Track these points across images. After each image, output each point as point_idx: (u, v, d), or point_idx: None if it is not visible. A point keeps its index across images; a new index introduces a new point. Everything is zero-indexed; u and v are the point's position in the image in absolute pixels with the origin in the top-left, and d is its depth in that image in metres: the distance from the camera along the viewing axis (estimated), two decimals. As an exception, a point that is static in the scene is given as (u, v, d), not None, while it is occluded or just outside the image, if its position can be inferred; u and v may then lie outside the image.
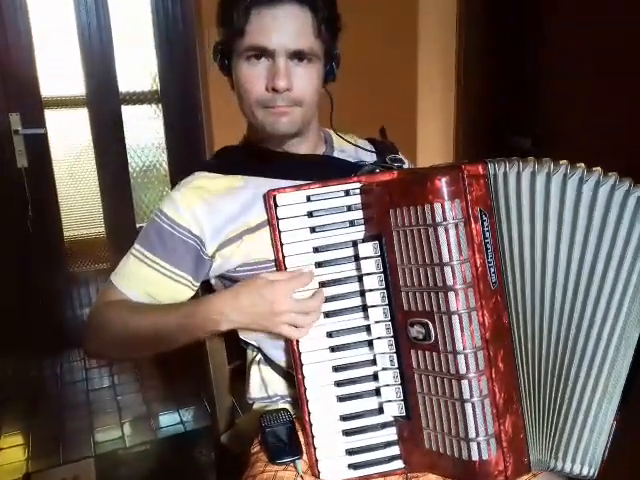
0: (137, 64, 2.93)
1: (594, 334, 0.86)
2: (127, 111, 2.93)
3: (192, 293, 1.04)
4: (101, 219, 3.00)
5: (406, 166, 1.09)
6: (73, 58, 2.76)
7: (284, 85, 0.92)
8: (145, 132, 3.02)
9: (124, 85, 2.90)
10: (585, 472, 0.90)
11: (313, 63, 0.95)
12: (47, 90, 2.76)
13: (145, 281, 1.02)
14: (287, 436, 0.98)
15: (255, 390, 1.10)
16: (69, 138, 2.87)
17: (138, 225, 3.08)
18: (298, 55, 0.93)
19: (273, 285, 0.90)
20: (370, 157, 1.13)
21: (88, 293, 3.06)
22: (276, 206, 0.93)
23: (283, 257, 0.93)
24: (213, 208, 0.99)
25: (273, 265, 0.96)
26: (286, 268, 0.93)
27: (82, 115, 2.85)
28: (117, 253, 3.04)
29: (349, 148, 1.13)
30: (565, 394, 0.87)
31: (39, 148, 2.76)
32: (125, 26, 2.84)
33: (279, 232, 0.93)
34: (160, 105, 3.00)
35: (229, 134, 2.89)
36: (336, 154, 1.11)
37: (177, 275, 1.01)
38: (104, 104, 2.86)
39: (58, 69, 2.77)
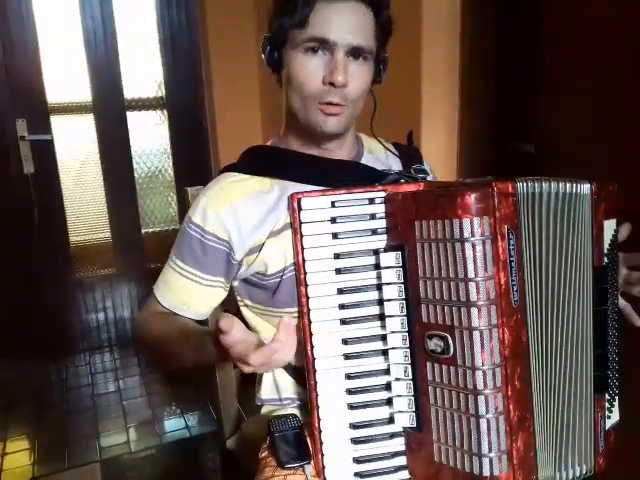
0: (142, 71, 2.96)
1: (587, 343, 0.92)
2: (132, 117, 2.96)
3: (225, 293, 1.07)
4: (106, 224, 3.03)
5: (430, 176, 1.08)
6: (79, 65, 2.80)
7: (342, 80, 0.91)
8: (150, 138, 3.05)
9: (129, 91, 2.93)
10: (581, 472, 0.93)
11: (367, 62, 0.95)
12: (53, 96, 2.79)
13: (181, 290, 1.04)
14: (296, 441, 0.98)
15: (266, 391, 1.11)
16: (75, 144, 2.90)
17: (143, 230, 3.11)
18: (356, 52, 0.93)
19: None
20: (396, 162, 1.13)
21: (93, 298, 3.08)
22: (300, 209, 0.92)
23: (303, 261, 0.92)
24: (241, 215, 0.99)
25: (294, 270, 0.96)
26: (306, 272, 0.92)
27: (88, 121, 2.88)
28: (122, 258, 3.07)
29: (378, 150, 1.13)
30: (570, 410, 0.90)
31: (45, 154, 2.79)
32: (130, 33, 2.88)
33: (301, 236, 0.93)
34: (165, 111, 3.03)
35: (234, 139, 2.90)
36: (366, 155, 1.11)
37: (210, 281, 1.03)
38: (110, 110, 2.89)
39: (64, 76, 2.81)
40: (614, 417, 0.98)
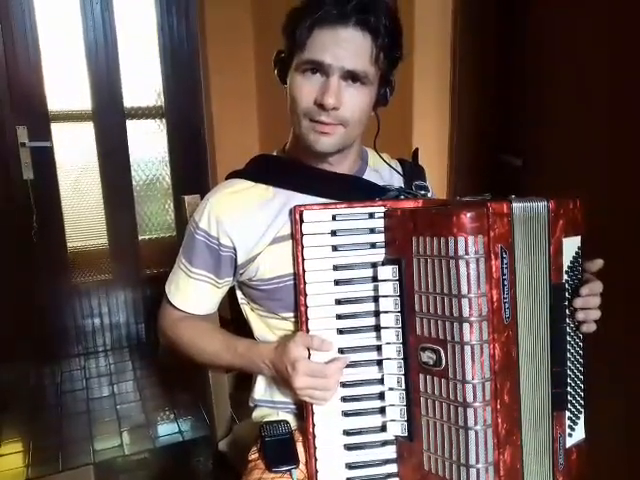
0: (142, 80, 3.00)
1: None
2: (131, 125, 3.00)
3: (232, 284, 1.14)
4: (104, 231, 3.05)
5: (430, 194, 1.11)
6: (80, 73, 2.84)
7: (332, 103, 0.93)
8: (149, 146, 3.08)
9: (129, 100, 2.96)
10: None
11: (366, 86, 0.97)
12: (54, 104, 2.82)
13: (193, 293, 1.11)
14: (285, 446, 1.01)
15: (260, 392, 1.14)
16: (74, 151, 2.93)
17: (140, 237, 3.13)
18: (351, 76, 0.95)
19: (296, 362, 0.94)
20: (399, 179, 1.15)
21: (89, 303, 3.10)
22: (302, 222, 0.95)
23: (303, 271, 0.96)
24: (243, 223, 1.04)
25: (292, 279, 1.01)
26: (305, 283, 0.96)
27: (88, 129, 2.91)
28: (119, 264, 3.09)
29: (383, 168, 1.15)
30: (532, 426, 0.91)
31: (45, 160, 2.82)
32: (131, 43, 2.92)
33: (302, 247, 0.95)
34: (164, 120, 3.07)
35: (231, 149, 2.93)
36: (369, 172, 1.13)
37: (220, 282, 1.10)
38: (109, 118, 2.93)
39: (65, 84, 2.84)
40: (577, 435, 0.98)
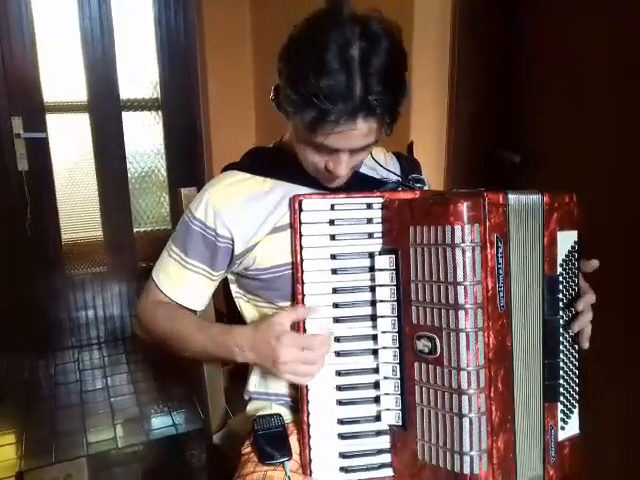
0: (138, 72, 2.99)
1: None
2: (127, 117, 2.98)
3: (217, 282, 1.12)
4: (99, 223, 3.05)
5: (426, 187, 1.12)
6: (76, 64, 2.82)
7: (344, 174, 0.96)
8: (144, 138, 3.07)
9: (125, 92, 2.95)
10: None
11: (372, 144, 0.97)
12: (49, 95, 2.81)
13: (184, 283, 1.09)
14: (278, 439, 1.02)
15: (255, 385, 1.14)
16: (70, 142, 2.92)
17: (135, 230, 3.13)
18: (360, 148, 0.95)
19: (282, 335, 0.91)
20: (396, 171, 1.16)
21: (84, 295, 3.09)
22: (301, 210, 0.96)
23: (301, 260, 0.96)
24: (242, 215, 1.04)
25: (289, 268, 1.01)
26: (303, 271, 0.96)
27: (83, 120, 2.90)
28: (114, 257, 3.08)
29: (379, 159, 1.14)
30: (523, 416, 0.91)
31: (40, 152, 2.81)
32: (128, 34, 2.90)
33: (300, 236, 0.96)
34: (160, 112, 3.05)
35: (227, 142, 2.92)
36: (365, 163, 1.11)
37: (214, 275, 1.09)
38: (105, 110, 2.91)
39: (60, 75, 2.83)
40: (571, 429, 0.97)
